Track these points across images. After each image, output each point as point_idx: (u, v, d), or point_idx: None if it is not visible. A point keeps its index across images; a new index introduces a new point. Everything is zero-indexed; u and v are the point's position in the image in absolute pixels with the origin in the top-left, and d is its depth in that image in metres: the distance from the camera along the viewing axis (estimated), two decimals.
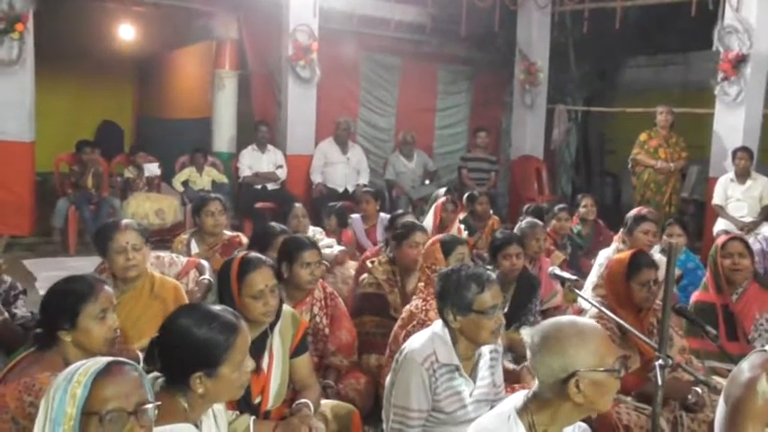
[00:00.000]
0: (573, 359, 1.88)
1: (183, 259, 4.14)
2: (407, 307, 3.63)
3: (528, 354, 1.99)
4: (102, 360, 1.66)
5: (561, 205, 6.64)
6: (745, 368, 2.53)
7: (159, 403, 1.70)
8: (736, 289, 4.18)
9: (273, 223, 4.65)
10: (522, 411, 1.97)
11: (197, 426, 2.01)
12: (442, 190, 6.64)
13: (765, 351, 2.56)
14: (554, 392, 1.92)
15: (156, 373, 2.03)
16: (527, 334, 2.01)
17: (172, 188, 8.65)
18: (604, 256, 5.27)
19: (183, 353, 2.00)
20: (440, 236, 4.13)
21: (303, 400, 2.86)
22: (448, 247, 3.81)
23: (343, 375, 3.75)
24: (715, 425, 2.66)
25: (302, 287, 3.64)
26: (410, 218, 5.81)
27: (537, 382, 1.98)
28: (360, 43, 9.55)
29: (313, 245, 3.73)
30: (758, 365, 2.50)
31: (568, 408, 1.93)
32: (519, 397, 2.02)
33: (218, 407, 2.18)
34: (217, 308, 2.14)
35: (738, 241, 4.24)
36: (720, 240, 4.28)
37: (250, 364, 2.11)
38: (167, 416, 1.83)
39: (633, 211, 6.20)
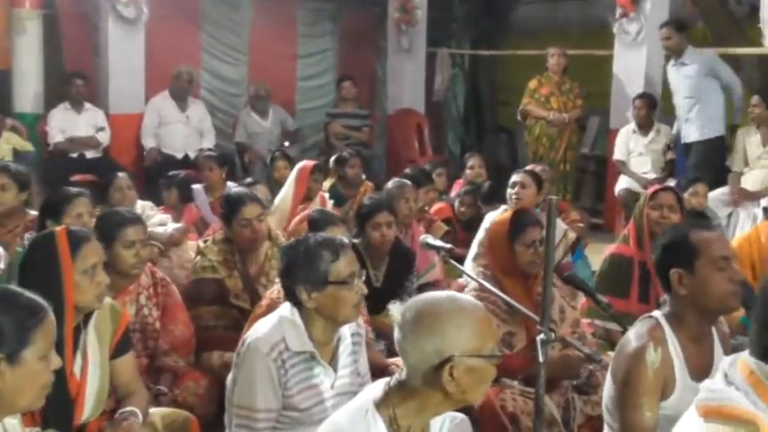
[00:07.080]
0: (451, 342, 1.91)
1: None
2: (267, 293, 3.64)
3: (397, 334, 2.00)
4: None
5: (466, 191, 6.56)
6: (632, 338, 2.69)
7: None
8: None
9: (70, 188, 4.51)
10: (381, 404, 1.98)
11: None
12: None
13: (652, 317, 2.75)
14: (424, 380, 1.93)
15: None
16: (397, 310, 2.02)
17: None
18: (489, 220, 5.37)
19: None
20: (309, 213, 4.18)
21: (129, 408, 2.84)
22: (317, 225, 3.85)
23: (180, 378, 3.71)
24: (603, 403, 2.85)
25: (126, 272, 3.54)
26: (261, 188, 5.81)
27: (405, 367, 1.99)
28: None
29: (137, 219, 3.66)
30: (645, 333, 2.66)
31: (438, 398, 1.95)
32: (378, 387, 2.03)
33: (12, 422, 2.13)
34: (17, 288, 2.13)
35: (670, 193, 4.39)
36: (651, 190, 4.46)
37: (56, 360, 2.08)
38: None
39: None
